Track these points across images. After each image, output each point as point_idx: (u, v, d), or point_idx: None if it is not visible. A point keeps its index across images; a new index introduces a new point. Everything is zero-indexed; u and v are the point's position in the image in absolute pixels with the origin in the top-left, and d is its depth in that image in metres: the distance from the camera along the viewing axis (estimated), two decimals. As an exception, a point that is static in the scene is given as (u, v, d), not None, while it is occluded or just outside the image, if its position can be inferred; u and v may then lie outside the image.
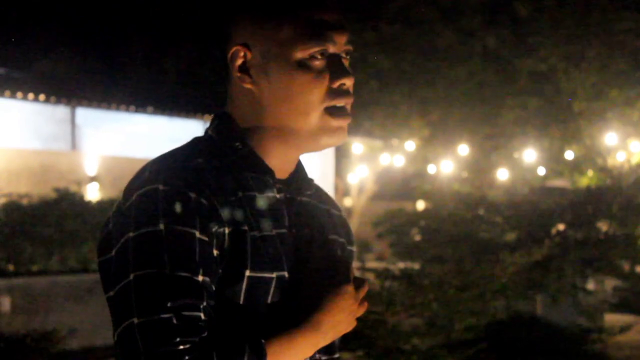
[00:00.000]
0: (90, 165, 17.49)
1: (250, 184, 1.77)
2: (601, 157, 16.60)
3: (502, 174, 18.97)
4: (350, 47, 1.81)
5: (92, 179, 17.33)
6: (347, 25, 1.82)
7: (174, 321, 1.56)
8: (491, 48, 16.58)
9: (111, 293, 1.65)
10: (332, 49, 1.78)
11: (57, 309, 10.47)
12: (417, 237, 11.84)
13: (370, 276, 9.06)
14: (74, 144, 18.28)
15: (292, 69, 1.75)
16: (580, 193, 11.83)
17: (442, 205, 13.74)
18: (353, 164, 21.91)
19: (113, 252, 1.67)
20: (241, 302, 1.68)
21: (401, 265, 10.46)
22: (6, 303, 10.19)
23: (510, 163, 18.77)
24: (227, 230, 1.67)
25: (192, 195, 1.64)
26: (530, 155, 17.74)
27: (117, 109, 18.97)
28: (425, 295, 7.26)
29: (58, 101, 17.86)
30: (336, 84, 1.77)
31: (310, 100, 1.76)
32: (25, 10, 18.61)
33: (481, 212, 11.53)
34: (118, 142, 18.75)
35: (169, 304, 1.57)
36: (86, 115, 18.63)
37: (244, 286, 1.68)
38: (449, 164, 19.05)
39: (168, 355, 1.54)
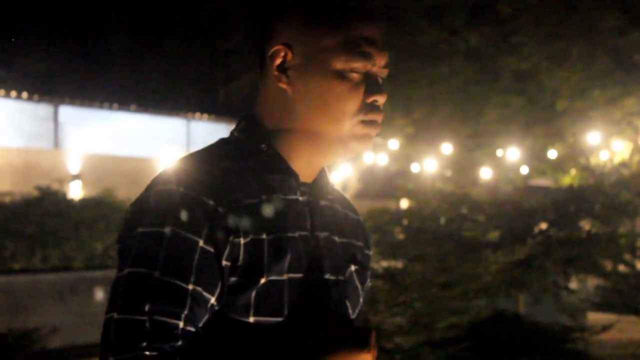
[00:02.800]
0: (73, 163, 17.44)
1: (274, 186, 1.78)
2: (584, 156, 16.64)
3: (486, 173, 18.98)
4: (386, 71, 1.84)
5: (75, 177, 17.29)
6: (388, 47, 1.85)
7: (147, 325, 1.58)
8: (474, 46, 16.57)
9: (113, 280, 1.68)
10: (370, 67, 1.80)
11: (39, 307, 10.43)
12: (401, 236, 11.81)
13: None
14: (56, 142, 18.26)
15: (330, 77, 1.77)
16: (563, 192, 11.86)
17: (425, 204, 13.74)
18: (336, 162, 21.89)
19: (127, 242, 1.69)
20: (252, 308, 1.68)
21: (384, 263, 10.45)
22: (-12, 302, 10.15)
23: (493, 162, 18.76)
24: (242, 241, 1.68)
25: (210, 202, 1.66)
26: (513, 154, 17.74)
27: (100, 107, 18.96)
28: (408, 294, 7.27)
29: (41, 99, 17.84)
30: (370, 99, 1.81)
31: (345, 110, 1.78)
32: (7, 8, 18.53)
33: (464, 210, 11.55)
34: (101, 140, 18.72)
35: (146, 307, 1.58)
36: (69, 113, 18.62)
37: (255, 291, 1.68)
38: (433, 163, 19.05)
39: (131, 356, 1.56)
